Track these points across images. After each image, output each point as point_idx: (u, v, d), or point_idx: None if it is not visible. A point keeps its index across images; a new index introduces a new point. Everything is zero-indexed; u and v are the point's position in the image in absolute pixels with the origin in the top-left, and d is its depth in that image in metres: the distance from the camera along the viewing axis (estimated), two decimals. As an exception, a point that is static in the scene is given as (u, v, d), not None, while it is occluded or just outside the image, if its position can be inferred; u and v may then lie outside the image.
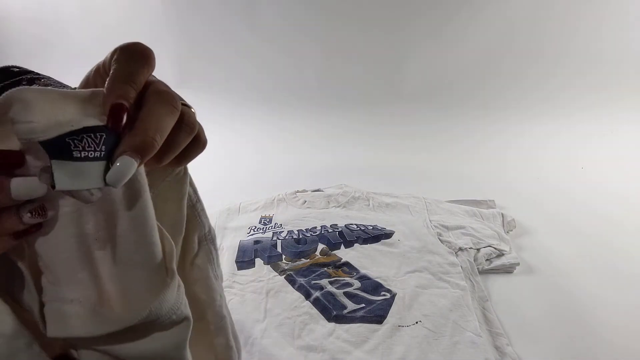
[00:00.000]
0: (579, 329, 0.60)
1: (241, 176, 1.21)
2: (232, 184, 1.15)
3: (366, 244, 0.77)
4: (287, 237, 0.79)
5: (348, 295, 0.64)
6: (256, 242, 0.78)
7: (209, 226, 0.32)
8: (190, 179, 0.30)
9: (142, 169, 0.21)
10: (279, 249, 0.76)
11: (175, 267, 0.23)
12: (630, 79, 1.38)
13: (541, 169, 1.20)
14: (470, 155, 1.30)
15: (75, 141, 0.17)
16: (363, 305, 0.62)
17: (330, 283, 0.66)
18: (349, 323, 0.58)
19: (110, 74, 0.19)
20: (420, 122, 1.47)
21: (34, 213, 0.18)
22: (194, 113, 0.22)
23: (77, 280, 0.22)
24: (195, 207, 0.31)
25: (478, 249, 0.76)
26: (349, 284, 0.66)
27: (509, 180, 1.13)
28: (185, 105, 0.22)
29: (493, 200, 0.96)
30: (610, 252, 0.80)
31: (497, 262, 0.74)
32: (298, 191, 0.98)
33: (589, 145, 1.30)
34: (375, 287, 0.65)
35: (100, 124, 0.18)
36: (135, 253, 0.22)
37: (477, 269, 0.72)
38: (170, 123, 0.19)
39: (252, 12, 1.55)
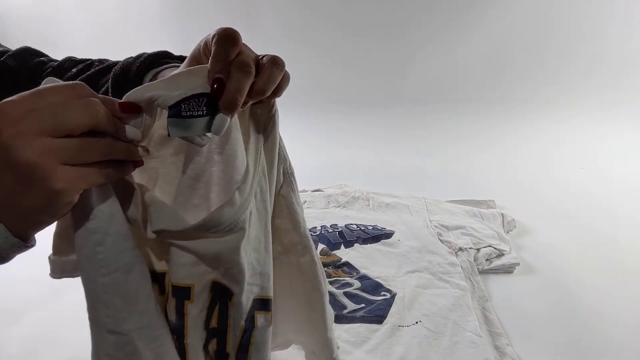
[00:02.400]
0: (579, 329, 0.60)
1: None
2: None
3: (366, 244, 0.77)
4: (287, 237, 0.79)
5: (348, 295, 0.64)
6: (256, 241, 0.77)
7: (289, 160, 0.37)
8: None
9: (235, 117, 0.30)
10: (279, 249, 0.75)
11: (245, 190, 0.30)
12: (631, 80, 1.38)
13: (541, 169, 1.20)
14: (470, 156, 1.30)
15: (184, 105, 0.27)
16: (363, 305, 0.61)
17: (330, 283, 0.66)
18: (349, 323, 0.58)
19: (211, 54, 0.27)
20: (420, 123, 1.47)
21: (143, 148, 0.29)
22: (280, 59, 0.30)
23: (189, 202, 0.31)
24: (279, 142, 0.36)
25: (478, 249, 0.76)
26: (349, 284, 0.66)
27: (509, 180, 1.13)
28: (275, 57, 0.30)
29: (493, 200, 0.96)
30: (610, 252, 0.80)
31: (497, 262, 0.74)
32: (298, 191, 0.97)
33: (589, 145, 1.30)
34: (375, 287, 0.65)
35: (204, 91, 0.27)
36: (224, 173, 0.31)
37: (477, 269, 0.72)
38: (246, 83, 0.27)
39: (251, 15, 1.54)
